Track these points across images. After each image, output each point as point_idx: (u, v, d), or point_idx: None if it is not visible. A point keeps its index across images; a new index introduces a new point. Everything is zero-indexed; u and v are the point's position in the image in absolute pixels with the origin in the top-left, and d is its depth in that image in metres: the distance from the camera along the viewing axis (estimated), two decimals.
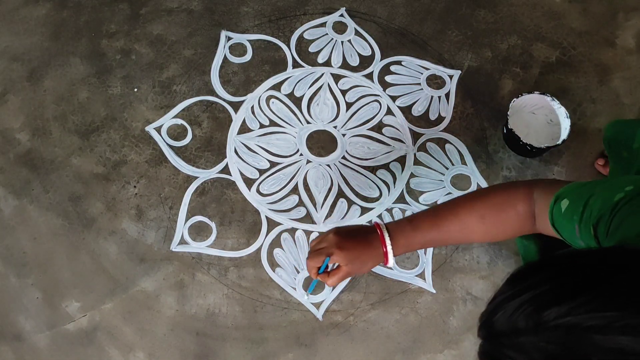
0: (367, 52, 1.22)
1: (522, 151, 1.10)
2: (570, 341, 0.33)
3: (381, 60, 1.21)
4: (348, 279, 1.01)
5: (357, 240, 0.76)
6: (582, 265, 0.38)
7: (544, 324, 0.35)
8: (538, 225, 0.67)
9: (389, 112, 1.17)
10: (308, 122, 1.15)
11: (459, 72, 1.20)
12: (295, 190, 1.09)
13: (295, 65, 1.21)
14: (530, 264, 0.40)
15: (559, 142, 1.05)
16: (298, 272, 1.02)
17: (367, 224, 1.06)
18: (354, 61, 1.21)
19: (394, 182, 1.11)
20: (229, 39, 1.23)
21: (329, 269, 0.79)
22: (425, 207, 1.08)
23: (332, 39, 1.24)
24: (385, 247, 0.74)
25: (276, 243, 1.05)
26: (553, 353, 0.34)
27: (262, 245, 1.04)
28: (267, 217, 1.07)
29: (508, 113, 1.07)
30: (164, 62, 1.20)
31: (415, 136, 1.15)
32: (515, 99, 1.07)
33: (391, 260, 0.76)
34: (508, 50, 1.22)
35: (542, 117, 1.11)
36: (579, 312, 0.34)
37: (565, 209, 0.57)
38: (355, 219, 1.07)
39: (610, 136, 0.94)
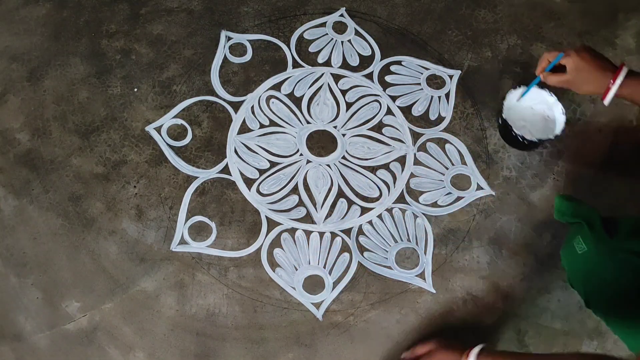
0: (367, 52, 1.22)
1: (515, 143, 1.10)
2: None
3: (381, 60, 1.21)
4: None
5: (596, 62, 0.87)
6: None
7: None
8: None
9: (389, 112, 1.17)
10: (308, 122, 1.15)
11: (459, 72, 1.20)
12: (295, 190, 1.09)
13: (295, 65, 1.21)
14: None
15: (552, 136, 1.05)
16: (296, 269, 1.03)
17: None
18: (354, 61, 1.21)
19: (394, 182, 1.11)
20: (229, 39, 1.23)
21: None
22: (425, 207, 1.08)
23: (332, 39, 1.24)
24: (614, 82, 0.84)
25: (276, 243, 1.05)
26: None
27: (262, 245, 1.04)
28: (267, 217, 1.07)
29: (504, 102, 1.07)
30: (164, 62, 1.20)
31: (415, 136, 1.15)
32: (512, 90, 1.08)
33: (607, 99, 0.86)
34: (508, 50, 1.22)
35: (540, 112, 1.11)
36: None
37: None
38: (355, 219, 1.07)
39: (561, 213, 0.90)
